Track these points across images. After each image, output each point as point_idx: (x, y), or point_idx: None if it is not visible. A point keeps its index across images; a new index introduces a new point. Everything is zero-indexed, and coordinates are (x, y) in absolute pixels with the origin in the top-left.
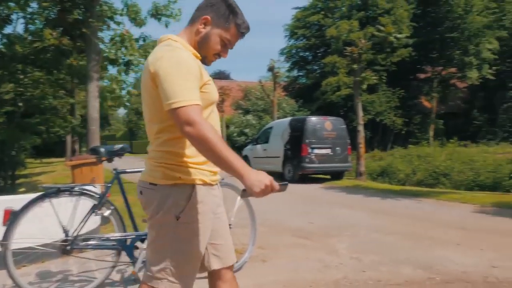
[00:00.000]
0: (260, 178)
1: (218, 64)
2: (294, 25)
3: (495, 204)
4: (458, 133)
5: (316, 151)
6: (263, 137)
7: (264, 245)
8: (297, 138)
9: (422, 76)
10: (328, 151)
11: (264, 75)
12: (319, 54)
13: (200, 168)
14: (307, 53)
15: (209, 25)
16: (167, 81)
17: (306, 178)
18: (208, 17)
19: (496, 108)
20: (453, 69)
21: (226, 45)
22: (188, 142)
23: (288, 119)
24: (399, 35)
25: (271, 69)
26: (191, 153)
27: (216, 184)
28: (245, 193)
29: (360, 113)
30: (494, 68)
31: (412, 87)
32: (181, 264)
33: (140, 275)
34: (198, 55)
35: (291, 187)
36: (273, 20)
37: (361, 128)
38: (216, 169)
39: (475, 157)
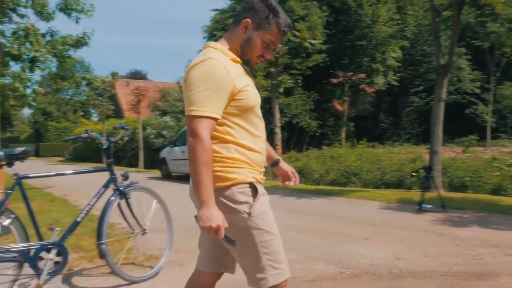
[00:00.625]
0: (210, 217)
1: (134, 64)
2: (213, 27)
3: (399, 201)
4: (367, 135)
5: None
6: (182, 139)
7: (181, 249)
8: None
9: (334, 80)
10: None
11: (182, 76)
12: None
13: (251, 168)
14: None
15: (250, 28)
16: (191, 89)
17: None
18: (249, 20)
19: (400, 112)
20: (362, 75)
21: (269, 46)
22: (235, 146)
23: None
24: (313, 41)
25: None
26: (242, 156)
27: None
28: (196, 217)
29: (278, 115)
30: (398, 74)
31: (326, 91)
32: (273, 253)
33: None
34: (238, 59)
35: None
36: (192, 20)
37: (278, 130)
38: (262, 169)
39: (382, 157)
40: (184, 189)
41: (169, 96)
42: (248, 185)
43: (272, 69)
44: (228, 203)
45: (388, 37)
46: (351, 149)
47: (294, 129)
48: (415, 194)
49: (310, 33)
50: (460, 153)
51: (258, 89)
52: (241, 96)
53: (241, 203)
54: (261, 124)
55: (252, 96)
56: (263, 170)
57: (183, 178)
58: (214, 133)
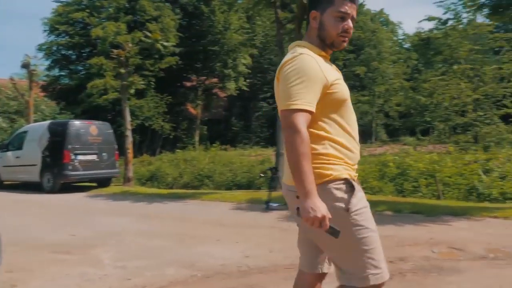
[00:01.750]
0: (314, 207)
1: None
2: (55, 20)
3: (248, 201)
4: (219, 138)
5: (80, 157)
6: (16, 143)
7: (14, 267)
8: (57, 143)
9: (188, 84)
10: (93, 157)
11: (17, 72)
12: (84, 54)
13: (346, 165)
14: (70, 52)
15: (318, 16)
16: (285, 84)
17: (69, 187)
18: (314, 10)
19: (250, 116)
20: (215, 80)
21: (344, 17)
22: (330, 142)
23: (47, 122)
24: (166, 43)
25: (26, 65)
26: (338, 152)
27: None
28: (297, 210)
29: (128, 117)
30: (248, 81)
31: (179, 94)
32: (374, 250)
33: None
34: (325, 53)
35: (50, 198)
36: (29, 11)
37: (129, 133)
38: (355, 167)
39: (234, 160)
40: (18, 199)
41: (1, 93)
42: (343, 182)
43: (122, 70)
44: (325, 200)
45: (239, 44)
46: (204, 152)
47: (147, 132)
48: (263, 194)
49: (163, 35)
50: None
51: (107, 89)
52: (334, 89)
53: (338, 199)
54: (353, 117)
55: (344, 89)
56: (356, 167)
57: (18, 187)
58: (309, 129)
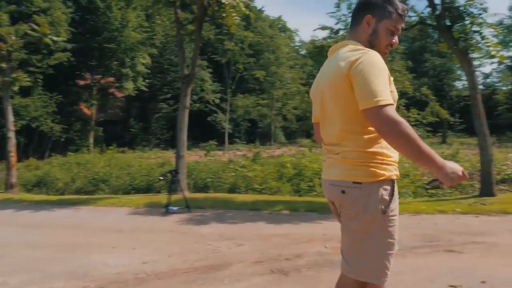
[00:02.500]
0: (454, 171)
1: None
2: None
3: (147, 205)
4: (116, 140)
5: None
6: None
7: None
8: None
9: (81, 82)
10: None
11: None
12: None
13: (395, 164)
14: None
15: (373, 22)
16: (366, 82)
17: None
18: (370, 15)
19: (149, 118)
20: (111, 79)
21: (394, 33)
22: (384, 142)
23: None
24: (56, 38)
25: None
26: (390, 152)
27: None
28: (435, 183)
29: (11, 118)
30: (147, 81)
31: (71, 93)
32: (391, 257)
33: None
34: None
35: None
36: None
37: (12, 135)
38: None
39: (132, 162)
40: None
41: None
42: (391, 183)
43: (4, 65)
44: (371, 197)
45: (138, 43)
46: (99, 155)
47: (34, 134)
48: (163, 197)
49: (52, 29)
50: (202, 156)
51: None
52: (391, 89)
53: (382, 200)
54: None
55: (395, 90)
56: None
57: None
58: (369, 128)
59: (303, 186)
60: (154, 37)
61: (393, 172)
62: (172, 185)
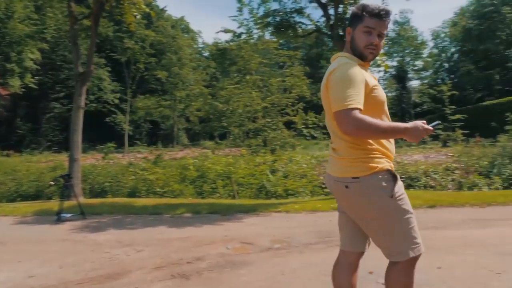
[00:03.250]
0: (416, 128)
1: None
2: None
3: (36, 213)
4: (1, 142)
5: None
6: None
7: None
8: None
9: None
10: None
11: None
12: None
13: (387, 157)
14: None
15: (351, 32)
16: (337, 89)
17: None
18: (348, 27)
19: (40, 118)
20: None
21: (370, 32)
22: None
23: None
24: None
25: None
26: (379, 147)
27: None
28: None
29: None
30: (37, 78)
31: None
32: (414, 228)
33: None
34: (363, 63)
35: None
36: None
37: None
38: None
39: (18, 167)
40: None
41: None
42: (386, 172)
43: None
44: (373, 187)
45: (25, 37)
46: None
47: None
48: (54, 204)
49: None
50: (100, 159)
51: None
52: (374, 93)
53: (384, 187)
54: (388, 118)
55: (381, 94)
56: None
57: None
58: None
59: (206, 188)
60: (45, 30)
61: (385, 164)
62: (65, 191)
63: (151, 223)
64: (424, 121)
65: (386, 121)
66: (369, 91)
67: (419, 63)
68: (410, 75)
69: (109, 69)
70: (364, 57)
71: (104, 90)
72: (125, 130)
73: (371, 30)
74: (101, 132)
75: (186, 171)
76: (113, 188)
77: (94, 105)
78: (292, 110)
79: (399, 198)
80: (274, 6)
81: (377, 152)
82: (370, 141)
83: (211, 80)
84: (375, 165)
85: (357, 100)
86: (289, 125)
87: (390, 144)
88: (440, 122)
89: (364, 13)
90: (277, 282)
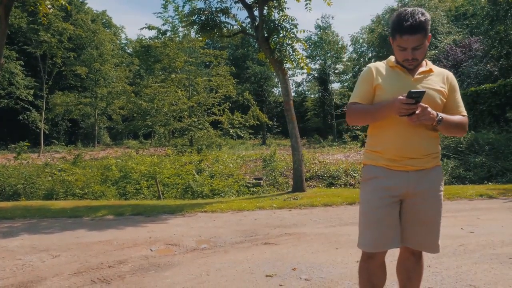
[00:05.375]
0: (398, 101)
1: None
2: None
3: None
4: None
5: None
6: None
7: None
8: None
9: None
10: None
11: None
12: None
13: (374, 153)
14: None
15: (391, 42)
16: None
17: None
18: (390, 37)
19: None
20: None
21: (404, 49)
22: (369, 136)
23: None
24: None
25: None
26: (374, 147)
27: (400, 170)
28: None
29: None
30: None
31: None
32: (362, 222)
33: None
34: (399, 66)
35: None
36: None
37: None
38: (395, 156)
39: None
40: None
41: None
42: (369, 166)
43: None
44: (362, 175)
45: None
46: None
47: None
48: None
49: None
50: (12, 159)
51: None
52: (376, 92)
53: (363, 177)
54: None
55: (384, 95)
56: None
57: None
58: (370, 129)
59: (129, 189)
60: None
61: (373, 159)
62: None
63: (70, 227)
64: (399, 100)
65: (369, 107)
66: (374, 86)
67: (339, 67)
68: (331, 78)
69: (22, 63)
70: (405, 67)
71: (16, 85)
72: (41, 128)
73: (404, 48)
74: (13, 130)
75: (108, 172)
76: (27, 191)
77: (6, 101)
78: (219, 110)
79: (361, 191)
80: (200, 4)
81: (371, 149)
82: (368, 137)
83: (135, 78)
84: (366, 159)
85: (355, 95)
86: (215, 124)
87: (386, 142)
88: (424, 90)
89: (394, 28)
90: (202, 282)
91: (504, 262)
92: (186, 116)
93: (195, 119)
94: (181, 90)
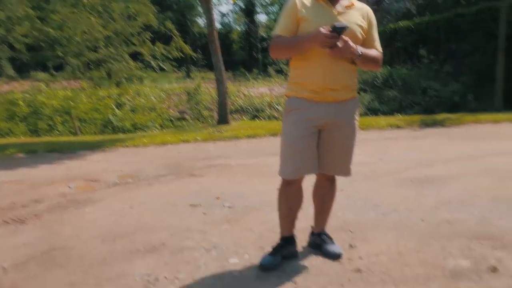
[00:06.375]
0: (318, 43)
1: None
2: None
3: None
4: None
5: None
6: None
7: None
8: None
9: None
10: None
11: None
12: None
13: (297, 84)
14: None
15: None
16: None
17: None
18: None
19: None
20: None
21: None
22: (292, 69)
23: None
24: None
25: None
26: (292, 75)
27: (322, 101)
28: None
29: None
30: None
31: None
32: (285, 154)
33: None
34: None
35: None
36: None
37: None
38: (317, 87)
39: None
40: None
41: None
42: (293, 98)
43: None
44: (286, 106)
45: None
46: None
47: None
48: None
49: None
50: None
51: None
52: (301, 22)
53: (286, 109)
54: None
55: (308, 27)
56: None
57: None
58: (293, 61)
59: (41, 125)
60: None
61: (296, 91)
62: None
63: None
64: (320, 31)
65: (290, 39)
66: (299, 19)
67: None
68: (258, 10)
69: None
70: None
71: None
72: None
73: None
74: None
75: (15, 107)
76: None
77: None
78: (138, 40)
79: (283, 122)
80: None
81: (292, 81)
82: (291, 70)
83: (40, 1)
84: (288, 91)
85: (279, 28)
86: (135, 56)
87: (309, 75)
88: (347, 25)
89: None
90: (125, 215)
91: (406, 184)
92: (102, 47)
93: (113, 50)
94: (95, 17)
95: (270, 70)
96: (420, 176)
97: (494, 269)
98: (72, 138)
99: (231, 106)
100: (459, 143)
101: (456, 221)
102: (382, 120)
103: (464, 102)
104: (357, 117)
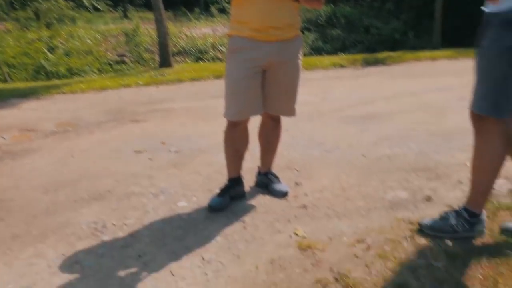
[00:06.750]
0: None
1: None
2: None
3: None
4: None
5: None
6: None
7: None
8: None
9: None
10: None
11: None
12: None
13: (239, 23)
14: None
15: None
16: None
17: None
18: None
19: None
20: None
21: None
22: (234, 7)
23: None
24: None
25: None
26: (234, 13)
27: (265, 40)
28: None
29: None
30: None
31: None
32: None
33: None
34: None
35: None
36: None
37: None
38: (259, 25)
39: None
40: None
41: None
42: (235, 37)
43: None
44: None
45: None
46: None
47: None
48: None
49: None
50: None
51: None
52: None
53: (228, 47)
54: None
55: None
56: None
57: None
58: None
59: None
60: None
61: (238, 30)
62: None
63: None
64: None
65: None
66: None
67: None
68: None
69: None
70: None
71: None
72: None
73: None
74: None
75: None
76: None
77: None
78: None
79: (227, 60)
80: None
81: (232, 20)
82: (233, 8)
83: None
84: (230, 29)
85: None
86: None
87: (253, 14)
88: None
89: None
90: (66, 164)
91: (347, 122)
92: None
93: None
94: None
95: (213, 9)
96: (362, 113)
97: (428, 199)
98: (1, 85)
99: (173, 48)
100: (399, 81)
101: (395, 156)
102: (326, 59)
103: (404, 39)
104: (300, 57)
